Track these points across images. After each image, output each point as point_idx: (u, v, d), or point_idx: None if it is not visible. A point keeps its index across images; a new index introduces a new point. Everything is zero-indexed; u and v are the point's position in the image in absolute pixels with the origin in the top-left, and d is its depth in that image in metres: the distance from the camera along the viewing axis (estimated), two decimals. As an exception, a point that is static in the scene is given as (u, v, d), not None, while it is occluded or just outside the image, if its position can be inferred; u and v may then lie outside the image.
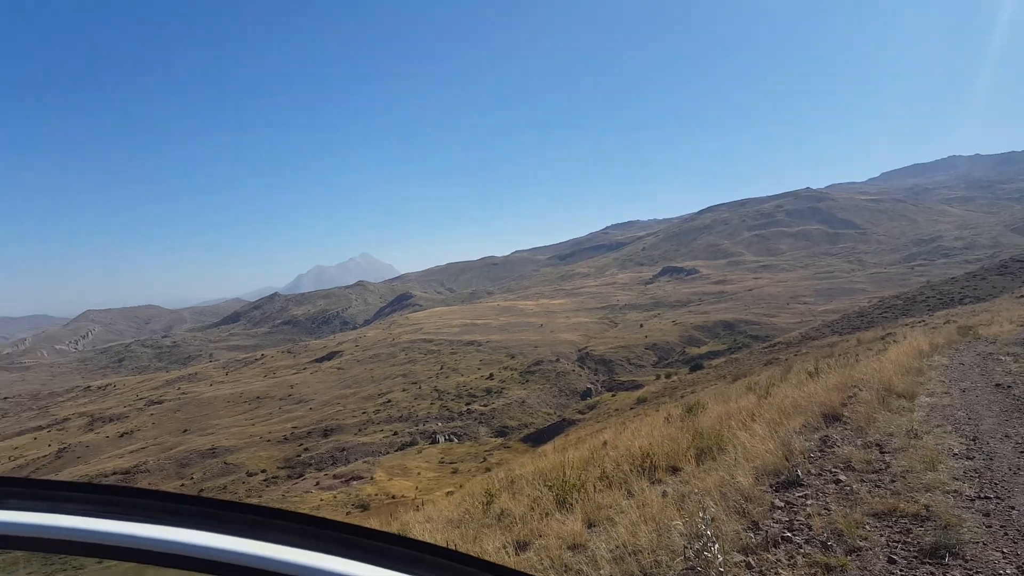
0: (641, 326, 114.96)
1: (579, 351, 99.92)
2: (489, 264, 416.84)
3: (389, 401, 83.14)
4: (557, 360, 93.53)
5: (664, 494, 5.67)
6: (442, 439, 64.62)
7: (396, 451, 61.38)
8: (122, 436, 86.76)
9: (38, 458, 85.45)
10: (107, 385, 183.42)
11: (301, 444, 68.34)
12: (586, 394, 79.71)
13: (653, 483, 6.37)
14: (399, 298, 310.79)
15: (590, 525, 5.46)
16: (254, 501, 40.50)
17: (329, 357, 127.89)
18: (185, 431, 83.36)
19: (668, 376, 66.92)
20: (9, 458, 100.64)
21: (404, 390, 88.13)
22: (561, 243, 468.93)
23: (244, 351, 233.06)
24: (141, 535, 0.94)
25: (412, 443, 63.83)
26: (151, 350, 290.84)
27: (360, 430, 72.63)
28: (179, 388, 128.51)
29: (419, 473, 48.72)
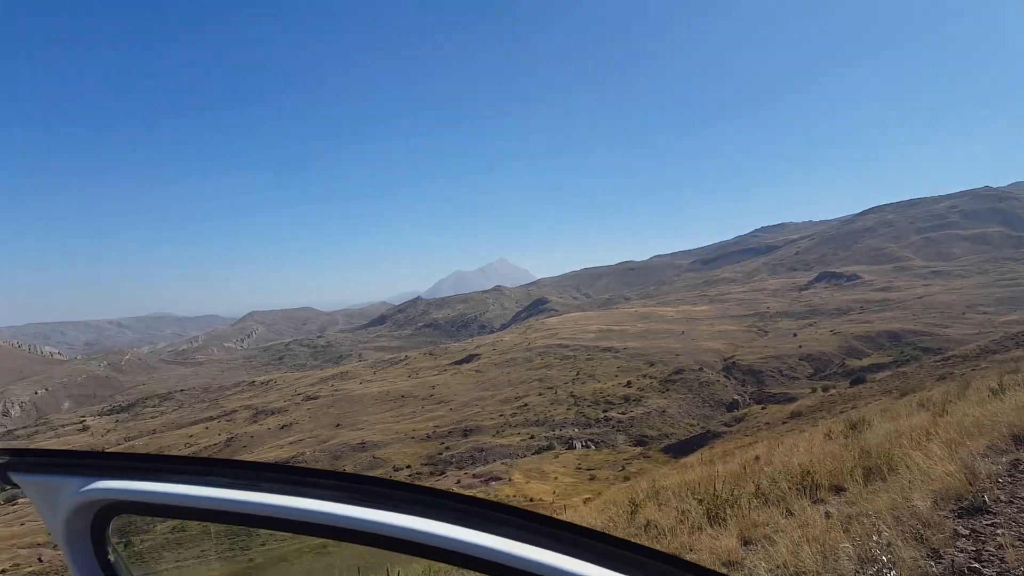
0: (794, 335, 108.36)
1: (724, 360, 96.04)
2: (626, 269, 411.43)
3: (525, 405, 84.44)
4: (700, 369, 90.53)
5: (827, 514, 5.42)
6: (579, 445, 64.70)
7: (533, 454, 62.25)
8: (282, 428, 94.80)
9: (210, 445, 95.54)
10: (269, 381, 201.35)
11: (442, 443, 71.28)
12: (732, 406, 76.48)
13: (815, 502, 6.10)
14: (535, 303, 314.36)
15: (745, 542, 5.33)
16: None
17: (468, 360, 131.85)
18: (338, 425, 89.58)
19: (825, 389, 63.05)
20: (185, 444, 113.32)
21: (540, 395, 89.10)
22: (705, 247, 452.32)
23: (390, 352, 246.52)
24: (368, 518, 1.06)
25: (548, 447, 64.45)
26: (307, 349, 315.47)
27: (498, 432, 74.40)
28: (332, 385, 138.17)
29: (556, 478, 49.09)
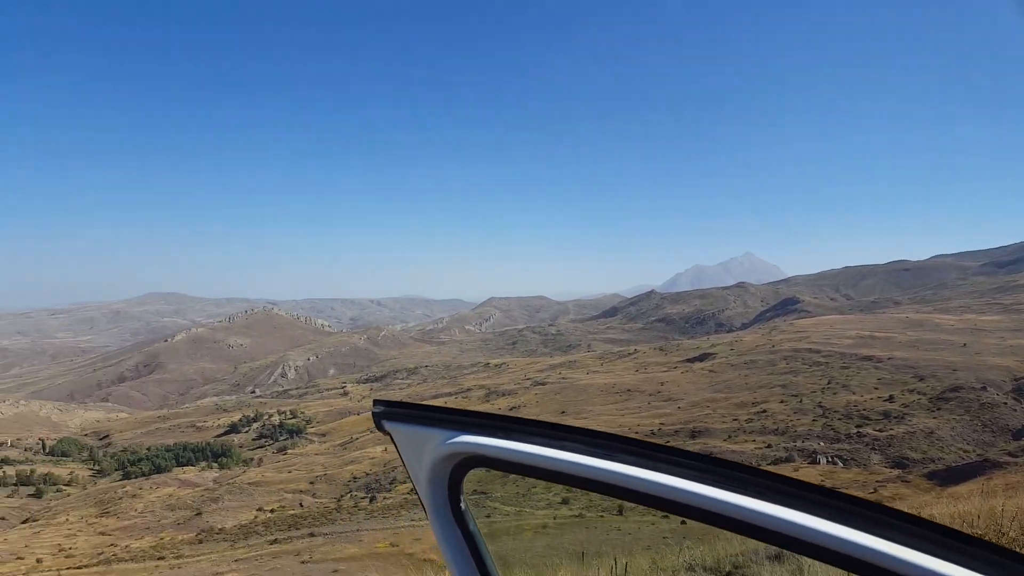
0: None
1: (1015, 380, 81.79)
2: (899, 269, 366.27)
3: (764, 411, 79.87)
4: (983, 388, 78.01)
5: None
6: (823, 460, 59.64)
7: (768, 464, 58.66)
8: (511, 409, 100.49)
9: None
10: (502, 364, 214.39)
11: (667, 441, 70.02)
12: (1020, 434, 64.96)
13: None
14: (783, 302, 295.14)
15: None
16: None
17: (701, 358, 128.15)
18: (563, 412, 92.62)
19: None
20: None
21: (782, 402, 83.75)
22: (1001, 247, 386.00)
23: (618, 344, 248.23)
24: (718, 498, 1.09)
25: (788, 459, 60.34)
26: (539, 336, 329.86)
27: (729, 436, 71.29)
28: (560, 373, 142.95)
29: (793, 493, 45.84)
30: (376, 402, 1.57)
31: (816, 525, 1.07)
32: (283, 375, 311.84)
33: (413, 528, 41.17)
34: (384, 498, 63.83)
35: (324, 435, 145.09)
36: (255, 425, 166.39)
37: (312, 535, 42.50)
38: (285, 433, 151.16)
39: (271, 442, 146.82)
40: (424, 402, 1.54)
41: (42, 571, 44.56)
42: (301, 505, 72.01)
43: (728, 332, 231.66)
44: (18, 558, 56.37)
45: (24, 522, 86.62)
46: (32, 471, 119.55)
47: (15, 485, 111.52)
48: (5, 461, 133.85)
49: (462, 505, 1.50)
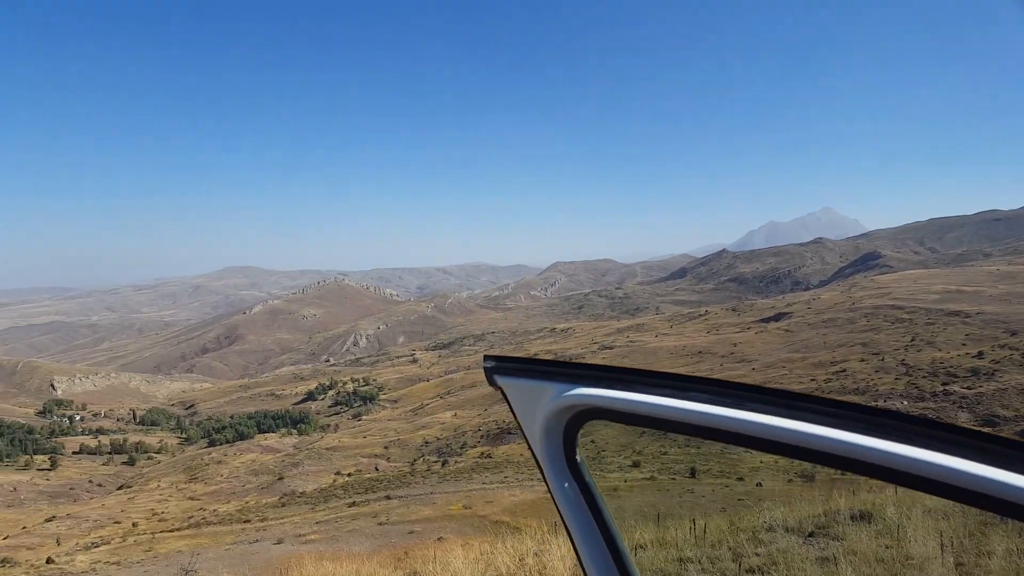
0: None
1: (1125, 334, 76.65)
2: (989, 219, 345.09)
3: (843, 371, 77.52)
4: (1085, 342, 73.53)
5: None
6: (908, 421, 57.43)
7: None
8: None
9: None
10: (568, 328, 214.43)
11: (740, 403, 69.00)
12: None
13: None
14: (863, 258, 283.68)
15: None
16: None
17: (776, 318, 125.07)
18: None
19: None
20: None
21: (863, 360, 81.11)
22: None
23: (688, 306, 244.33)
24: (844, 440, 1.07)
25: (869, 420, 58.39)
26: (605, 300, 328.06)
27: (807, 398, 69.44)
28: (627, 336, 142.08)
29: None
30: (487, 357, 1.57)
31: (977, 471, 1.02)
32: (355, 344, 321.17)
33: (485, 491, 41.94)
34: (455, 462, 65.25)
35: (396, 401, 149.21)
36: (330, 392, 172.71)
37: (388, 498, 43.85)
38: (359, 400, 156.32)
39: (346, 409, 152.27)
40: (538, 357, 1.52)
41: (138, 534, 47.71)
42: (376, 469, 74.46)
43: (805, 290, 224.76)
44: (116, 522, 60.59)
45: (119, 488, 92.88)
46: (125, 440, 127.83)
47: (110, 453, 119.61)
48: (100, 431, 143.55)
49: (577, 458, 1.49)
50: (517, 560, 5.39)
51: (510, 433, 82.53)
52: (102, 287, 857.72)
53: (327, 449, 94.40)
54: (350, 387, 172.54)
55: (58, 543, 50.58)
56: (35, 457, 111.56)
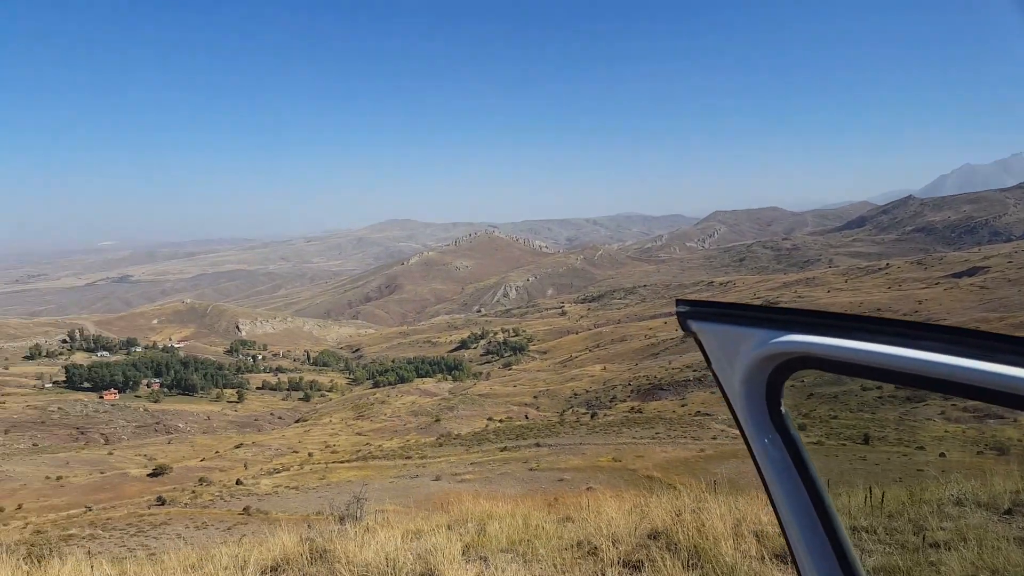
0: None
1: None
2: None
3: (1052, 335, 68.96)
4: None
5: None
6: None
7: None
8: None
9: (667, 339, 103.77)
10: (727, 282, 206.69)
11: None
12: None
13: None
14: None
15: None
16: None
17: (970, 273, 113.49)
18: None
19: None
20: (644, 336, 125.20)
21: (1077, 324, 71.74)
22: None
23: (867, 259, 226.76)
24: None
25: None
26: (770, 251, 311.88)
27: (1004, 364, 62.73)
28: (795, 291, 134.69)
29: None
30: (679, 301, 1.51)
31: None
32: (505, 295, 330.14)
33: (635, 445, 42.09)
34: (604, 415, 65.82)
35: (545, 352, 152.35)
36: (482, 342, 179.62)
37: (538, 445, 45.28)
38: (509, 350, 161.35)
39: (497, 358, 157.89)
40: (737, 301, 1.43)
41: (313, 463, 52.85)
42: (526, 417, 76.92)
43: (1006, 242, 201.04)
44: (294, 451, 67.56)
45: (296, 421, 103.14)
46: (300, 378, 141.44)
47: (288, 390, 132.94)
48: (279, 369, 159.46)
49: (782, 409, 1.39)
50: (674, 515, 5.36)
51: (662, 389, 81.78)
52: (278, 238, 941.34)
53: (480, 396, 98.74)
54: (500, 337, 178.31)
55: (245, 467, 57.37)
56: (225, 391, 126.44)
